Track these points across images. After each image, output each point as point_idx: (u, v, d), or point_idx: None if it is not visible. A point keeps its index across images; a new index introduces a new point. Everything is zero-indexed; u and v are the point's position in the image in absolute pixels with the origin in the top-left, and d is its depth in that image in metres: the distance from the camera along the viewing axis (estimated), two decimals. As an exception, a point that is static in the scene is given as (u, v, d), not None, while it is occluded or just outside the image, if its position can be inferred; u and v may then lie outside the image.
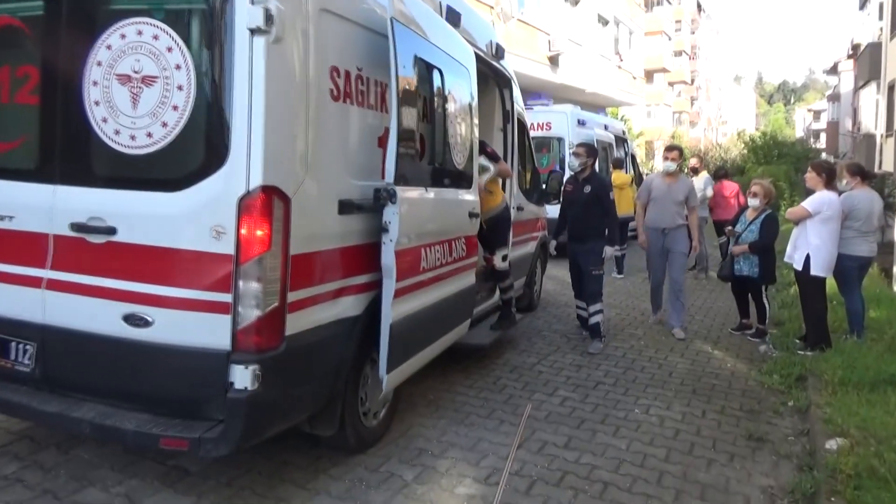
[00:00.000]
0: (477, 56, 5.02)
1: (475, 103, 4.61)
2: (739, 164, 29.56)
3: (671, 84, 53.01)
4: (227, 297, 2.69)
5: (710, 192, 10.08)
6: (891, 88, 21.33)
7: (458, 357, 5.18)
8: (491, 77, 5.86)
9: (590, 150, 5.98)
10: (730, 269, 6.49)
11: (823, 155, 44.34)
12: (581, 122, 12.28)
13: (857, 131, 30.79)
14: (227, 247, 2.68)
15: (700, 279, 9.96)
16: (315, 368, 3.11)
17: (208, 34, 2.78)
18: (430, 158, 3.91)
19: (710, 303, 8.29)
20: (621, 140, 14.67)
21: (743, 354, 5.96)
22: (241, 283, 2.67)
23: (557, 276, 9.93)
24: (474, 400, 4.58)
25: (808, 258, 5.68)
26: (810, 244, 5.67)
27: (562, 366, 5.44)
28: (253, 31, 2.62)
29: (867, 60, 25.73)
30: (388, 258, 3.30)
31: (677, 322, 6.56)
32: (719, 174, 10.29)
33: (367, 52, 3.36)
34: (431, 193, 3.82)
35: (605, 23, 23.90)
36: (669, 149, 6.55)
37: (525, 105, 12.82)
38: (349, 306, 3.30)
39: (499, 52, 5.48)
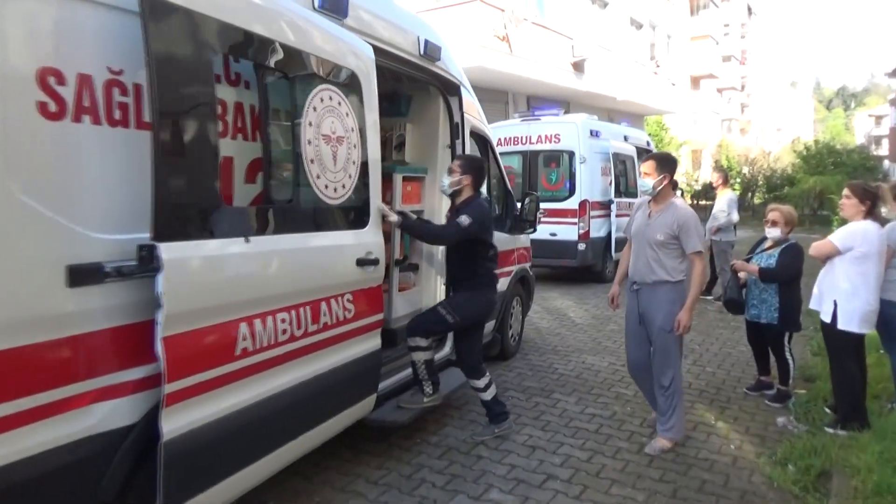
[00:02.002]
0: (394, 57, 3.95)
1: (373, 117, 3.53)
2: (790, 174, 27.58)
3: (720, 91, 50.68)
4: None
5: (736, 217, 8.70)
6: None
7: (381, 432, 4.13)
8: (431, 84, 4.77)
9: (470, 165, 4.23)
10: (737, 292, 5.24)
11: (886, 164, 41.50)
12: (594, 133, 11.03)
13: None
14: None
15: (722, 312, 8.55)
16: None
17: None
18: (262, 194, 2.86)
19: (730, 347, 6.93)
20: (645, 151, 13.31)
21: (755, 429, 4.66)
22: None
23: (554, 314, 8.71)
24: (369, 508, 3.47)
25: (835, 307, 4.39)
26: (838, 289, 4.37)
27: (511, 447, 4.26)
28: None
29: (932, 60, 23.49)
30: (157, 347, 2.25)
31: (662, 429, 4.30)
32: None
33: (131, 44, 2.32)
34: (263, 243, 2.75)
35: (640, 26, 22.48)
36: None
37: (531, 114, 11.83)
38: (109, 415, 2.26)
39: (432, 52, 4.37)
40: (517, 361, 6.25)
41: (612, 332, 7.55)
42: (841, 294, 4.36)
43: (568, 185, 10.87)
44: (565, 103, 17.94)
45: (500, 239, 5.74)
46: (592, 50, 17.47)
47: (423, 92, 4.95)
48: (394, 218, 3.77)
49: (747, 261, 5.24)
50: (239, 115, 2.83)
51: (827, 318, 4.45)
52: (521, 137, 11.26)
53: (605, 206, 11.07)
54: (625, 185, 11.96)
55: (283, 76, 2.94)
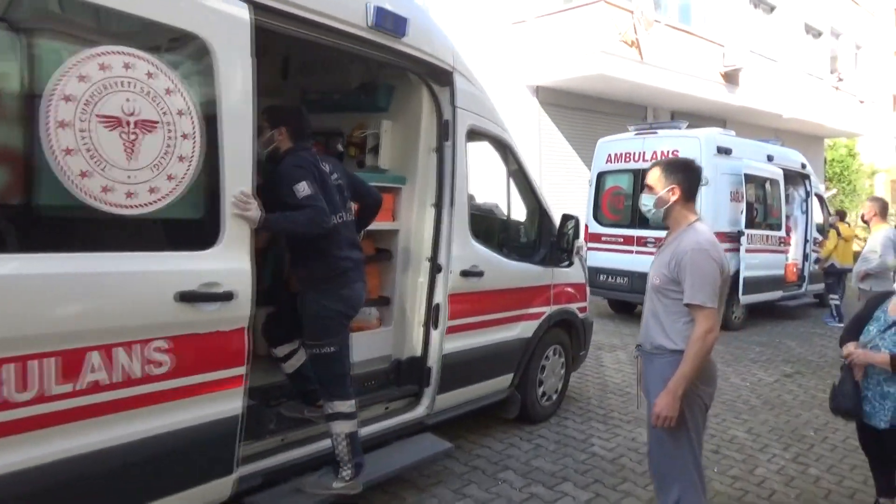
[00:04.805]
0: (318, 26, 3.00)
1: (238, 99, 2.59)
2: None
3: (933, 112, 43.44)
4: None
5: (893, 260, 6.59)
6: None
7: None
8: (408, 70, 3.73)
9: (277, 115, 3.14)
10: (854, 402, 3.53)
11: None
12: (722, 151, 9.20)
13: None
14: None
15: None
16: None
17: None
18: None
19: (839, 435, 5.01)
20: (798, 176, 11.07)
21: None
22: None
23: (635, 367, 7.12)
24: None
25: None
26: None
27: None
28: None
29: None
30: None
31: None
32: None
33: None
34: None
35: (818, 34, 19.47)
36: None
37: (651, 127, 10.19)
38: None
39: (389, 25, 3.30)
40: (545, 428, 4.92)
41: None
42: None
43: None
44: (719, 121, 15.79)
45: (525, 271, 4.55)
46: (749, 59, 15.19)
47: (407, 81, 3.92)
48: (251, 213, 2.66)
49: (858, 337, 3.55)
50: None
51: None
52: (634, 154, 9.72)
53: (734, 238, 9.18)
54: (762, 214, 9.93)
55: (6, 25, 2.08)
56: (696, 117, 14.58)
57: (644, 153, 9.60)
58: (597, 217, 10.16)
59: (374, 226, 3.83)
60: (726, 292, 2.93)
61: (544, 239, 4.82)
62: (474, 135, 4.10)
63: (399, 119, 3.98)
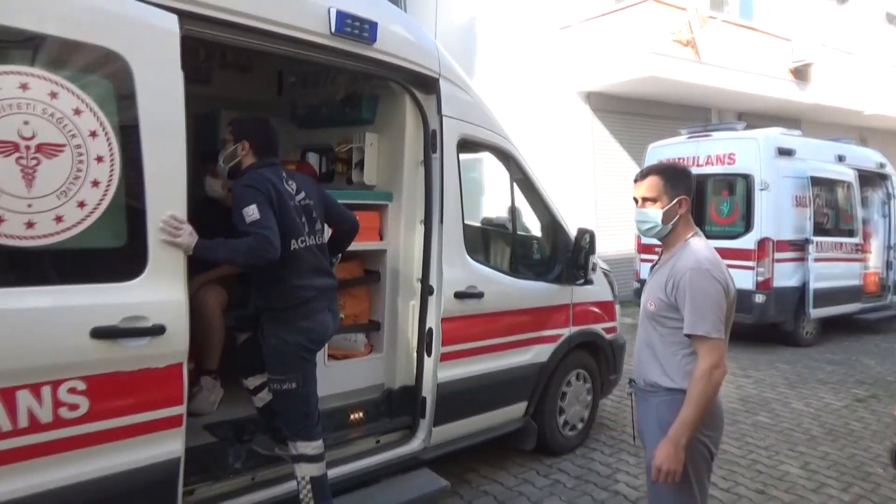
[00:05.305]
0: (272, 36, 2.81)
1: (163, 118, 2.40)
2: None
3: None
4: None
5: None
6: None
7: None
8: (387, 78, 3.46)
9: (240, 128, 2.91)
10: None
11: None
12: (784, 152, 8.47)
13: None
14: None
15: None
16: None
17: None
18: None
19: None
20: (877, 177, 10.11)
21: None
22: None
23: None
24: None
25: None
26: None
27: None
28: None
29: None
30: None
31: None
32: None
33: None
34: None
35: (902, 22, 18.02)
36: None
37: (705, 130, 9.54)
38: None
39: (355, 30, 3.03)
40: (568, 461, 4.49)
41: (762, 426, 5.34)
42: None
43: (743, 218, 8.48)
44: (791, 121, 14.77)
45: (536, 290, 4.20)
46: (821, 53, 14.14)
47: (392, 91, 3.65)
48: (181, 239, 2.43)
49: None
50: None
51: None
52: (687, 159, 9.09)
53: (799, 246, 8.44)
54: (833, 220, 9.09)
55: None
56: (766, 118, 13.68)
57: (698, 157, 8.99)
58: (649, 227, 9.58)
59: (361, 246, 3.59)
60: (732, 318, 2.49)
61: (560, 255, 4.43)
62: (468, 145, 3.78)
63: (385, 131, 3.72)
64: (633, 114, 13.09)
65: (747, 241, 8.33)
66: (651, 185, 2.49)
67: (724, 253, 8.39)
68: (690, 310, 2.32)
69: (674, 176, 2.49)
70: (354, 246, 3.49)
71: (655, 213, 2.47)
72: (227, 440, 3.16)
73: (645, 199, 2.50)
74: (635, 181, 2.56)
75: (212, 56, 3.85)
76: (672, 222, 2.49)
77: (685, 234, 2.50)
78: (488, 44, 13.31)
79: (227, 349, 3.60)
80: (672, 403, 2.36)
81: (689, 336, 2.35)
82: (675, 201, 2.46)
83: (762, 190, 8.27)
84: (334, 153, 3.95)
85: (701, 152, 8.97)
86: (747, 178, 8.42)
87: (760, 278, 8.24)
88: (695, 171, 8.81)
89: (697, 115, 14.11)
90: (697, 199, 8.97)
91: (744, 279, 8.28)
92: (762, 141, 8.43)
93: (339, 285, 3.58)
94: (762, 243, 8.23)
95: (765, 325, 8.46)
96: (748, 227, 8.39)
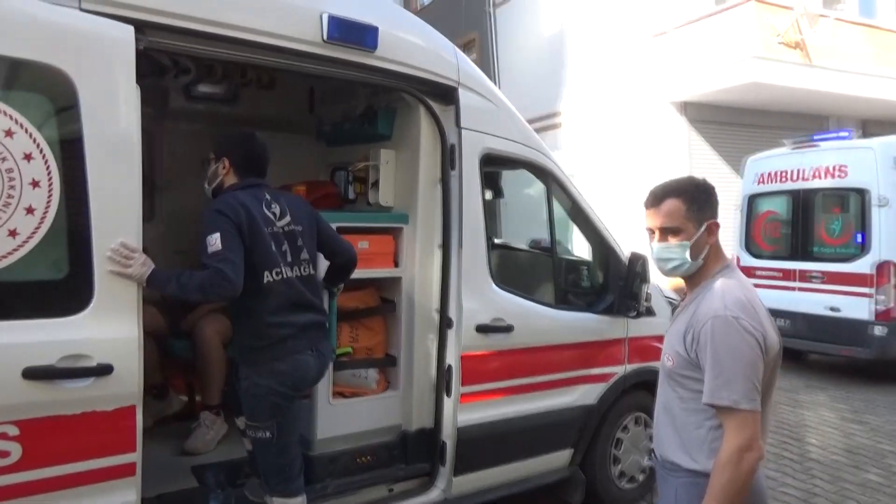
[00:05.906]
0: (261, 46, 2.59)
1: (115, 136, 2.20)
2: None
3: None
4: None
5: None
6: None
7: None
8: (393, 88, 3.14)
9: (221, 145, 2.70)
10: None
11: None
12: (903, 162, 7.41)
13: None
14: None
15: None
16: None
17: None
18: None
19: None
20: None
21: None
22: None
23: (797, 430, 5.70)
24: None
25: None
26: None
27: None
28: None
29: None
30: None
31: None
32: None
33: None
34: None
35: None
36: None
37: (811, 140, 8.51)
38: None
39: (353, 37, 2.74)
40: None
41: (872, 486, 4.52)
42: None
43: (858, 238, 7.48)
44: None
45: (581, 322, 3.74)
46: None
47: (408, 104, 3.33)
48: (132, 270, 2.18)
49: None
50: None
51: None
52: (791, 172, 8.19)
53: (928, 271, 7.31)
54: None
55: None
56: (893, 126, 12.24)
57: (803, 171, 8.06)
58: (749, 248, 8.72)
59: (374, 273, 3.28)
60: (776, 382, 1.94)
61: (612, 283, 3.92)
62: (495, 160, 3.39)
63: (402, 148, 3.39)
64: (733, 124, 12.12)
65: (863, 265, 7.33)
66: (671, 211, 1.95)
67: (837, 277, 7.57)
68: (713, 372, 1.79)
69: (698, 196, 1.95)
70: (366, 273, 3.19)
71: (681, 247, 1.94)
72: (212, 485, 2.91)
73: (664, 231, 1.97)
74: (647, 206, 2.01)
75: (230, 74, 3.69)
76: (702, 256, 1.96)
77: (713, 269, 1.97)
78: (578, 55, 12.77)
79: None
80: (692, 488, 1.83)
81: (717, 407, 1.81)
82: (703, 229, 1.94)
83: (880, 206, 7.26)
84: (353, 173, 3.68)
85: (807, 164, 8.03)
86: (862, 193, 7.44)
87: (880, 307, 7.21)
88: (800, 186, 8.06)
89: (811, 124, 12.85)
90: (804, 216, 8.05)
91: (859, 308, 7.32)
92: (879, 150, 7.41)
93: (351, 315, 3.32)
94: (882, 267, 7.20)
95: (883, 361, 7.38)
96: (864, 248, 7.39)
